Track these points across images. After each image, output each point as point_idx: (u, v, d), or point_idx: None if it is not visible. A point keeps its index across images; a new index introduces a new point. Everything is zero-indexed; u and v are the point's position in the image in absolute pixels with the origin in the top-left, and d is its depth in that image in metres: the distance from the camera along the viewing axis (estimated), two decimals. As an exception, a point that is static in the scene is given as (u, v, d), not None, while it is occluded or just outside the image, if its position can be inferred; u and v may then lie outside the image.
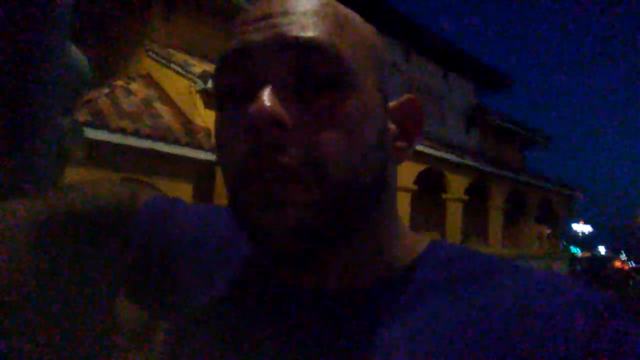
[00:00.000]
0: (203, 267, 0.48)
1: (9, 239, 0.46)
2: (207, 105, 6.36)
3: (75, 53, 0.81)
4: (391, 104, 0.41)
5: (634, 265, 17.05)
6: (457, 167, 10.41)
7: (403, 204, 8.66)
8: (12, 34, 0.62)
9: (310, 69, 0.35)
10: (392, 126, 0.40)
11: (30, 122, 0.64)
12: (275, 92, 0.34)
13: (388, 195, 0.40)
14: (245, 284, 0.45)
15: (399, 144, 0.41)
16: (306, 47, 0.34)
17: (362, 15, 0.42)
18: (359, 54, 0.37)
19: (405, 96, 0.42)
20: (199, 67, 6.43)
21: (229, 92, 0.37)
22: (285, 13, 0.36)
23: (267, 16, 0.36)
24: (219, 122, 0.39)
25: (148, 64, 7.31)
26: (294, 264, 0.39)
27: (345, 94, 0.35)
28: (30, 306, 0.51)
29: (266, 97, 0.33)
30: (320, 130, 0.34)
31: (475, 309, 0.35)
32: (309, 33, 0.35)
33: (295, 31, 0.35)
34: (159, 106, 6.43)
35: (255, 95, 0.34)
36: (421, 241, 0.43)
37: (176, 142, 5.75)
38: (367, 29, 0.40)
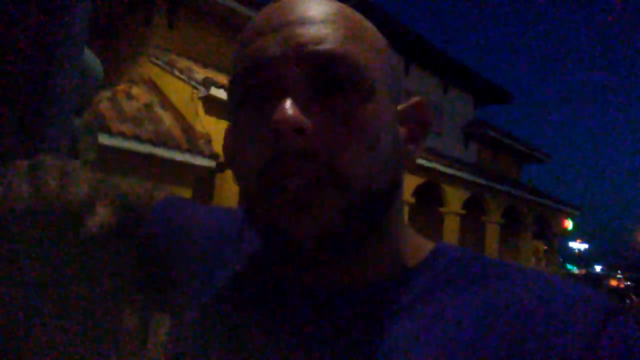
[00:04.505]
0: (207, 265, 0.48)
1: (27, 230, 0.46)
2: (208, 112, 6.37)
3: (89, 55, 0.82)
4: (400, 107, 0.41)
5: (629, 284, 17.03)
6: (455, 181, 10.42)
7: (401, 216, 8.62)
8: (29, 36, 0.63)
9: (329, 79, 0.36)
10: (401, 129, 0.41)
11: (44, 123, 0.64)
12: (296, 101, 0.35)
13: (398, 197, 0.41)
14: (249, 283, 0.45)
15: (409, 147, 0.42)
16: (325, 58, 0.35)
17: None
18: (374, 61, 0.38)
19: (414, 99, 0.42)
20: (201, 73, 6.45)
21: (245, 100, 0.38)
22: (301, 22, 0.36)
23: (283, 26, 0.36)
24: (232, 128, 0.40)
25: (150, 70, 7.33)
26: (312, 266, 0.40)
27: (363, 101, 0.36)
28: (38, 305, 0.50)
29: (287, 105, 0.34)
30: (341, 137, 0.35)
31: (479, 310, 0.36)
32: (327, 45, 0.35)
33: (313, 43, 0.35)
34: (160, 111, 6.44)
35: (276, 104, 0.35)
36: (428, 244, 0.43)
37: (177, 147, 5.76)
38: (378, 36, 0.40)
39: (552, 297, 0.35)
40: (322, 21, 0.36)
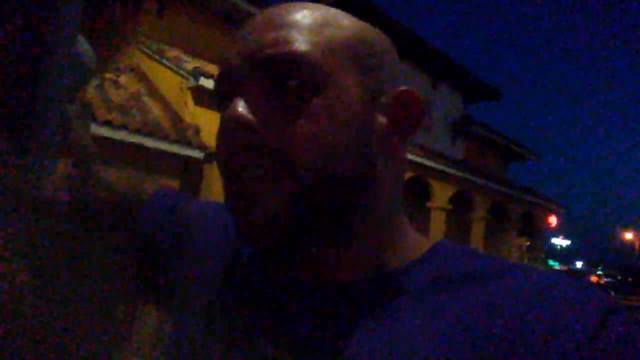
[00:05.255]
0: (205, 261, 0.48)
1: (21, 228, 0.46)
2: (198, 102, 6.31)
3: (81, 42, 0.81)
4: (384, 98, 0.41)
5: (609, 280, 17.35)
6: (442, 176, 10.49)
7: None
8: (22, 23, 0.62)
9: (278, 78, 0.38)
10: (382, 120, 0.40)
11: (37, 110, 0.63)
12: (248, 101, 0.38)
13: (381, 190, 0.41)
14: (245, 279, 0.45)
15: (393, 137, 0.41)
16: (272, 60, 0.38)
17: None
18: (334, 56, 0.38)
19: (399, 89, 0.42)
20: (191, 63, 6.37)
21: (219, 104, 0.42)
22: (260, 29, 0.39)
23: (246, 35, 0.40)
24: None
25: (139, 58, 7.23)
26: (277, 257, 0.41)
27: (313, 94, 0.37)
28: (30, 299, 0.50)
29: (236, 104, 0.37)
30: (287, 128, 0.37)
31: (478, 307, 0.36)
32: (277, 47, 0.38)
33: (265, 47, 0.38)
34: (148, 101, 6.36)
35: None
36: (426, 242, 0.43)
37: (165, 138, 5.69)
38: (352, 30, 0.41)
39: (551, 295, 0.35)
40: (280, 25, 0.39)
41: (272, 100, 0.38)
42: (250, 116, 0.37)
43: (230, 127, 0.37)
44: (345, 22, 0.41)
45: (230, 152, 0.38)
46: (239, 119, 0.37)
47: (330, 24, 0.40)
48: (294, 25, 0.38)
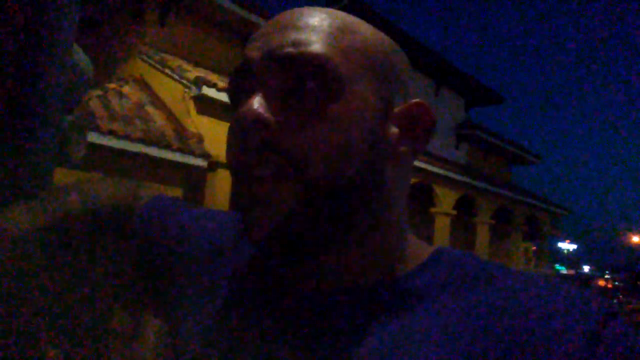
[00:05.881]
0: (204, 268, 0.48)
1: (8, 243, 0.46)
2: (200, 111, 6.34)
3: (78, 52, 0.81)
4: (397, 108, 0.41)
5: (617, 284, 17.24)
6: (446, 182, 10.48)
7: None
8: (17, 32, 0.62)
9: (297, 78, 0.38)
10: (394, 130, 0.41)
11: (32, 122, 0.63)
12: (265, 98, 0.38)
13: (386, 198, 0.41)
14: (248, 284, 0.45)
15: (402, 148, 0.41)
16: (292, 60, 0.37)
17: None
18: (352, 62, 0.39)
19: (413, 101, 0.42)
20: (193, 72, 6.41)
21: (233, 101, 0.41)
22: (281, 29, 0.39)
23: (267, 34, 0.40)
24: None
25: (141, 68, 7.28)
26: (285, 261, 0.41)
27: (330, 99, 0.37)
28: (29, 307, 0.50)
29: (254, 101, 0.37)
30: (303, 130, 0.37)
31: (480, 311, 0.36)
32: (298, 48, 0.38)
33: (286, 46, 0.38)
34: (151, 110, 6.40)
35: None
36: (427, 248, 0.44)
37: (168, 147, 5.72)
38: (369, 39, 0.41)
39: (551, 298, 0.35)
40: (301, 27, 0.39)
41: (288, 101, 0.38)
42: (267, 114, 0.37)
43: (245, 123, 0.36)
44: (364, 29, 0.41)
45: (242, 149, 0.37)
46: (256, 116, 0.36)
47: (350, 30, 0.40)
48: (314, 28, 0.39)
